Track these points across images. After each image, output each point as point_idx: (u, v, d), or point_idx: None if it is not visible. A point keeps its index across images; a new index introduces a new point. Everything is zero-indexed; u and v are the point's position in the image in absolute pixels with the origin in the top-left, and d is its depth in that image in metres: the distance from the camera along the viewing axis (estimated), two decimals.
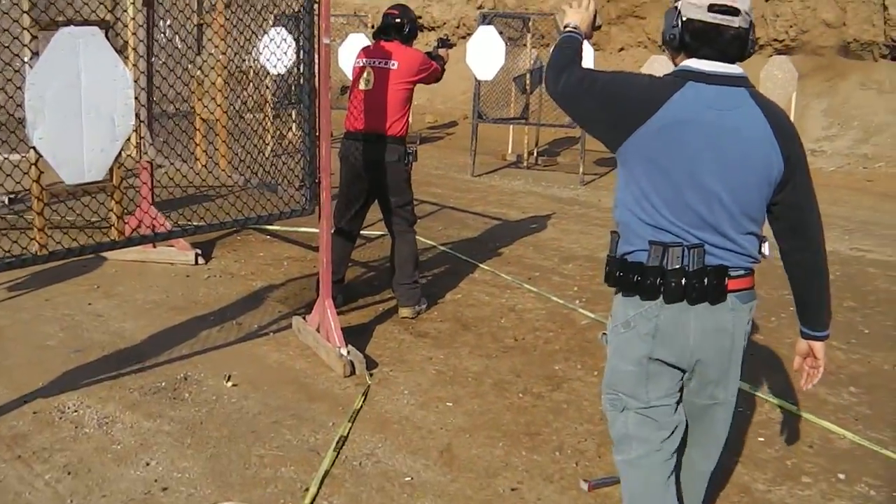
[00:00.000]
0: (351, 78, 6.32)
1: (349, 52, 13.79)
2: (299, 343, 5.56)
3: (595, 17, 3.12)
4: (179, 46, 6.81)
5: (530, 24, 13.56)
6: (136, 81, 6.37)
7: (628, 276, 2.69)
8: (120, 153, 4.18)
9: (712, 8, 2.59)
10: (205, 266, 7.20)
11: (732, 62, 2.65)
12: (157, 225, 7.31)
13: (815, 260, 2.76)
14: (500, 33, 11.87)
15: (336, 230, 6.12)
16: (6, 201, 9.17)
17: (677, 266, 2.60)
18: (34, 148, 3.88)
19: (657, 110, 2.58)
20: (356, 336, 5.64)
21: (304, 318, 5.67)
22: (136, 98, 6.87)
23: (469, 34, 14.53)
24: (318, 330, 5.41)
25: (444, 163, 13.39)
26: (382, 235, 8.42)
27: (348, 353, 5.15)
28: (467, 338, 5.80)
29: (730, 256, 2.65)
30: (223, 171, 5.90)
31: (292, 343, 5.57)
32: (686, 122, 2.58)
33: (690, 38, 2.63)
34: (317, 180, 5.17)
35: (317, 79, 5.04)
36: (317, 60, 5.06)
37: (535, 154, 13.73)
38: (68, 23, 3.87)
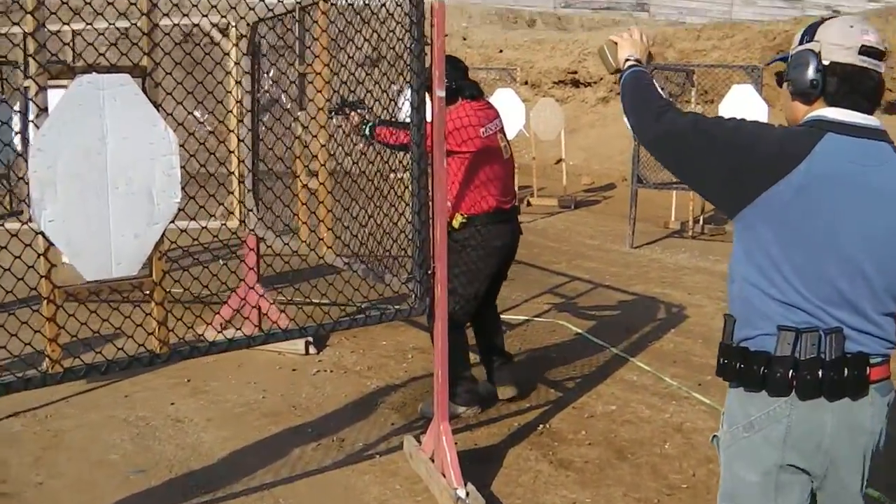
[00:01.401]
0: (471, 145, 5.01)
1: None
2: (410, 472, 4.43)
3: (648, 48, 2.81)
4: (282, 100, 5.92)
5: (694, 77, 12.25)
6: (241, 141, 5.58)
7: (751, 369, 2.32)
8: (161, 240, 3.19)
9: (863, 50, 2.29)
10: (315, 357, 6.20)
11: (870, 113, 2.32)
12: (263, 305, 6.39)
13: None
14: (662, 88, 10.62)
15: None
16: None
17: (813, 355, 2.24)
18: (42, 233, 2.94)
19: (797, 165, 2.23)
20: (481, 464, 4.48)
21: (418, 439, 4.55)
22: (240, 160, 6.15)
23: None
24: (432, 459, 4.28)
25: (599, 231, 12.14)
26: (527, 321, 7.29)
27: (467, 495, 3.99)
28: (621, 472, 4.53)
29: (869, 341, 2.28)
30: (329, 248, 4.90)
31: (401, 472, 4.45)
32: (828, 178, 2.24)
33: (836, 84, 2.31)
34: (430, 271, 4.08)
35: (430, 140, 3.99)
36: (429, 117, 4.00)
37: (700, 222, 12.29)
38: (89, 69, 2.92)
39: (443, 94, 3.97)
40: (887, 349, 2.33)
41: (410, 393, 5.57)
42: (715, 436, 2.53)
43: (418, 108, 3.97)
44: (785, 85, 2.43)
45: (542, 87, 20.66)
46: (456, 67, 5.08)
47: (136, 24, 3.35)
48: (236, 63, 5.69)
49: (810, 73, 2.32)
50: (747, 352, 2.33)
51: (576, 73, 20.30)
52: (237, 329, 6.33)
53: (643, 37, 2.84)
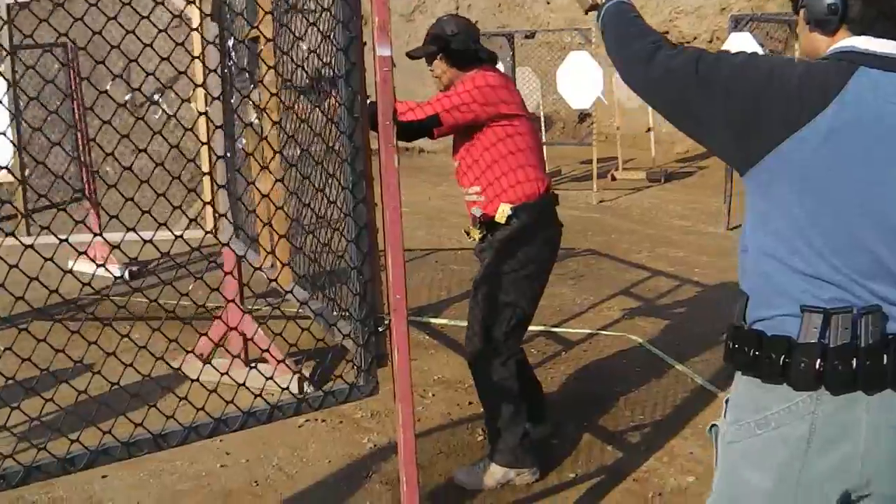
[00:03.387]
0: (513, 107, 3.81)
1: (571, 77, 11.24)
2: None
3: None
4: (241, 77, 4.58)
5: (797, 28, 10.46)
6: (217, 128, 4.27)
7: (769, 357, 1.90)
8: None
9: None
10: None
11: None
12: (247, 330, 5.07)
13: None
14: (761, 45, 8.93)
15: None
16: (125, 275, 7.32)
17: (846, 341, 1.82)
18: None
19: (824, 108, 1.82)
20: None
21: None
22: (213, 154, 4.86)
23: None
24: None
25: (691, 209, 10.49)
26: (591, 335, 5.80)
27: None
28: None
29: None
30: (290, 278, 3.56)
31: None
32: (863, 123, 1.82)
33: (860, 7, 1.89)
34: (381, 328, 2.69)
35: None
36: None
37: None
38: None
39: (387, 52, 2.52)
40: None
41: (420, 452, 4.18)
42: (714, 424, 2.11)
43: (348, 75, 2.55)
44: (801, 12, 2.01)
45: None
46: (470, 28, 4.00)
47: None
48: (195, 29, 4.33)
49: None
50: (763, 336, 1.93)
51: (667, 32, 18.37)
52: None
53: None
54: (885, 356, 1.84)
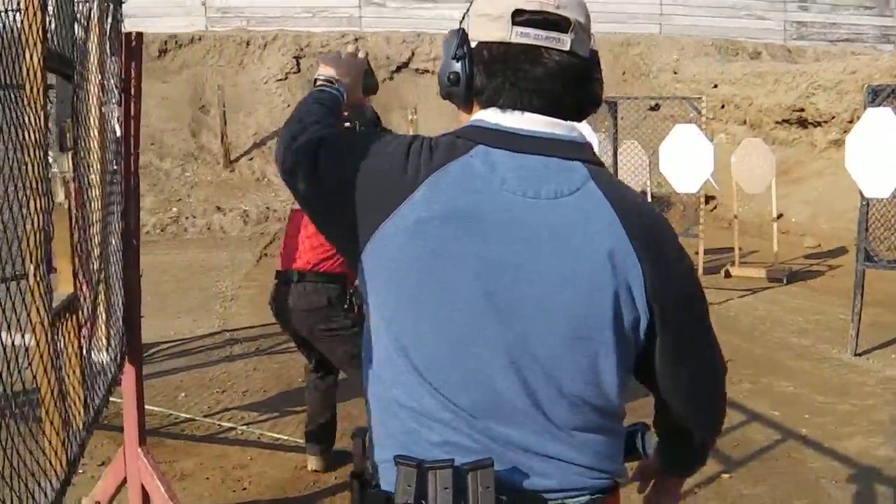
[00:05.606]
0: None
1: (676, 154, 9.63)
2: None
3: (367, 72, 2.08)
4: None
5: None
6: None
7: None
8: None
9: (520, 18, 1.53)
10: None
11: (560, 115, 1.56)
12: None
13: None
14: None
15: None
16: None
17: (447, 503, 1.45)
18: None
19: (410, 194, 1.51)
20: None
21: None
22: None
23: None
24: None
25: (814, 321, 8.68)
26: None
27: None
28: None
29: (552, 469, 1.50)
30: None
31: None
32: (465, 216, 1.49)
33: (485, 73, 1.57)
34: None
35: None
36: None
37: None
38: None
39: None
40: (593, 479, 1.52)
41: None
42: None
43: None
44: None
45: (763, 127, 17.18)
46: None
47: None
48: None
49: (449, 61, 1.58)
50: (365, 486, 1.57)
51: (802, 110, 16.53)
52: None
53: (360, 57, 2.07)
54: None
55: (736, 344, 7.78)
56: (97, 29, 2.77)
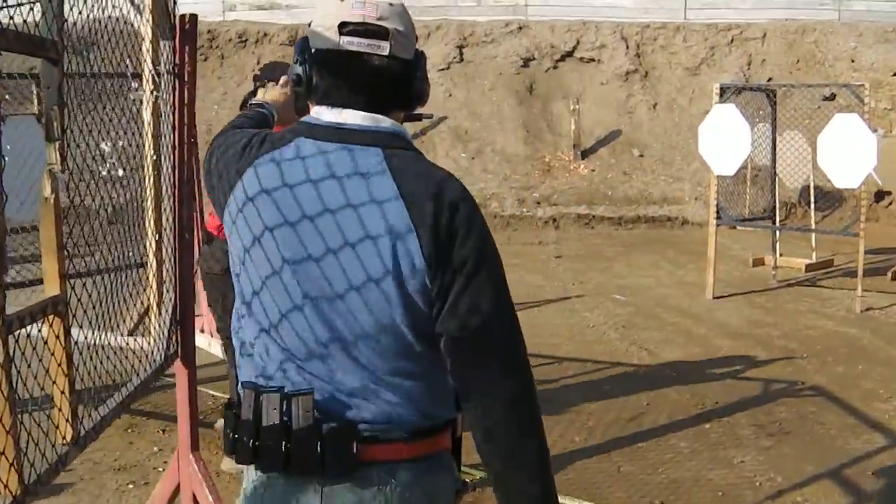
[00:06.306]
0: None
1: (835, 145, 9.05)
2: None
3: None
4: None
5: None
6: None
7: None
8: None
9: (346, 29, 1.82)
10: None
11: (377, 110, 1.85)
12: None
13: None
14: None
15: None
16: None
17: (276, 421, 1.78)
18: None
19: (239, 178, 1.86)
20: None
21: None
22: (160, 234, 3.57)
23: None
24: None
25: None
26: None
27: None
28: None
29: (368, 406, 1.82)
30: None
31: None
32: (271, 194, 1.81)
33: (319, 75, 1.86)
34: None
35: None
36: None
37: None
38: None
39: None
40: (410, 418, 1.82)
41: None
42: None
43: None
44: None
45: None
46: None
47: None
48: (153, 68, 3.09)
49: (294, 65, 1.91)
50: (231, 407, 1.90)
51: None
52: None
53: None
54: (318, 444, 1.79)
55: (893, 354, 7.25)
56: (153, 13, 2.79)
